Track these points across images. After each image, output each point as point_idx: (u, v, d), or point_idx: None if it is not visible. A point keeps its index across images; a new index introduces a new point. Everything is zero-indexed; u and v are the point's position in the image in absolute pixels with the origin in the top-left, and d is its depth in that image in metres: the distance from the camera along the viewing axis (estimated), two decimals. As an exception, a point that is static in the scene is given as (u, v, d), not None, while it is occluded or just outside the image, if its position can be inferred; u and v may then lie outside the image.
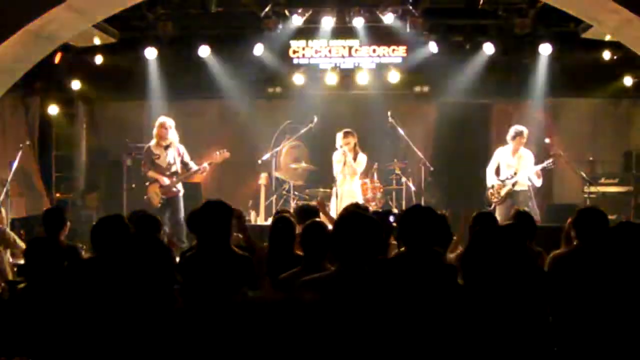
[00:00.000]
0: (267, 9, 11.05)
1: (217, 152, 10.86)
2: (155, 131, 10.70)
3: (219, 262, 4.73)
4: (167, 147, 10.67)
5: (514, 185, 10.75)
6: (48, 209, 8.52)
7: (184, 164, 10.79)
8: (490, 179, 10.99)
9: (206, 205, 4.97)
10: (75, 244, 7.25)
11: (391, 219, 6.17)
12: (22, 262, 6.98)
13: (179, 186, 10.76)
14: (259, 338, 3.35)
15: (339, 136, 10.72)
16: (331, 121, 11.72)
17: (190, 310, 3.83)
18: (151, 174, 10.69)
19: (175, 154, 10.72)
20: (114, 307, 3.58)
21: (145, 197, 10.83)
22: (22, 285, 4.70)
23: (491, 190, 10.93)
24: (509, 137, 10.88)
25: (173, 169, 10.70)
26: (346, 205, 7.21)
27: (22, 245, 7.66)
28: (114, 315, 3.54)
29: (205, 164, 10.79)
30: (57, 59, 11.87)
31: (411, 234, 4.24)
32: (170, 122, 10.67)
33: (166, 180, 10.61)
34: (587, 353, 4.32)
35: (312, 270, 4.36)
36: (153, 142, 10.73)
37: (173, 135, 10.69)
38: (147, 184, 10.79)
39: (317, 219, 5.46)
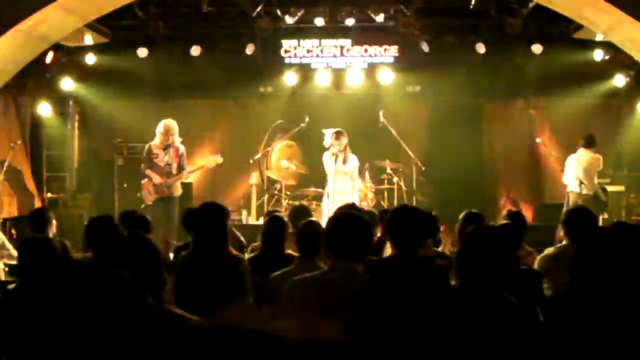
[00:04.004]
0: (258, 9, 11.05)
1: (211, 157, 10.78)
2: (158, 132, 10.53)
3: (212, 265, 4.71)
4: (166, 148, 10.57)
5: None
6: (33, 209, 8.53)
7: (180, 166, 10.69)
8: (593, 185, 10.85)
9: (203, 207, 4.95)
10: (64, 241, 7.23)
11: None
12: (12, 262, 7.01)
13: (178, 187, 10.64)
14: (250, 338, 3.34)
15: (329, 134, 10.69)
16: (323, 121, 11.68)
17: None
18: (147, 172, 10.62)
19: (173, 154, 10.62)
20: (100, 306, 3.55)
21: (138, 194, 10.76)
22: (12, 285, 4.67)
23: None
24: (589, 145, 10.64)
25: (170, 169, 10.60)
26: (340, 206, 7.22)
27: (10, 247, 7.63)
28: (100, 315, 3.52)
29: (186, 171, 10.60)
30: (49, 58, 11.84)
31: (399, 234, 4.24)
32: (174, 129, 10.50)
33: (159, 179, 10.56)
34: (578, 352, 4.32)
35: (304, 269, 4.36)
36: (155, 142, 10.58)
37: (176, 140, 10.61)
38: (142, 181, 10.71)
39: (313, 219, 5.47)
